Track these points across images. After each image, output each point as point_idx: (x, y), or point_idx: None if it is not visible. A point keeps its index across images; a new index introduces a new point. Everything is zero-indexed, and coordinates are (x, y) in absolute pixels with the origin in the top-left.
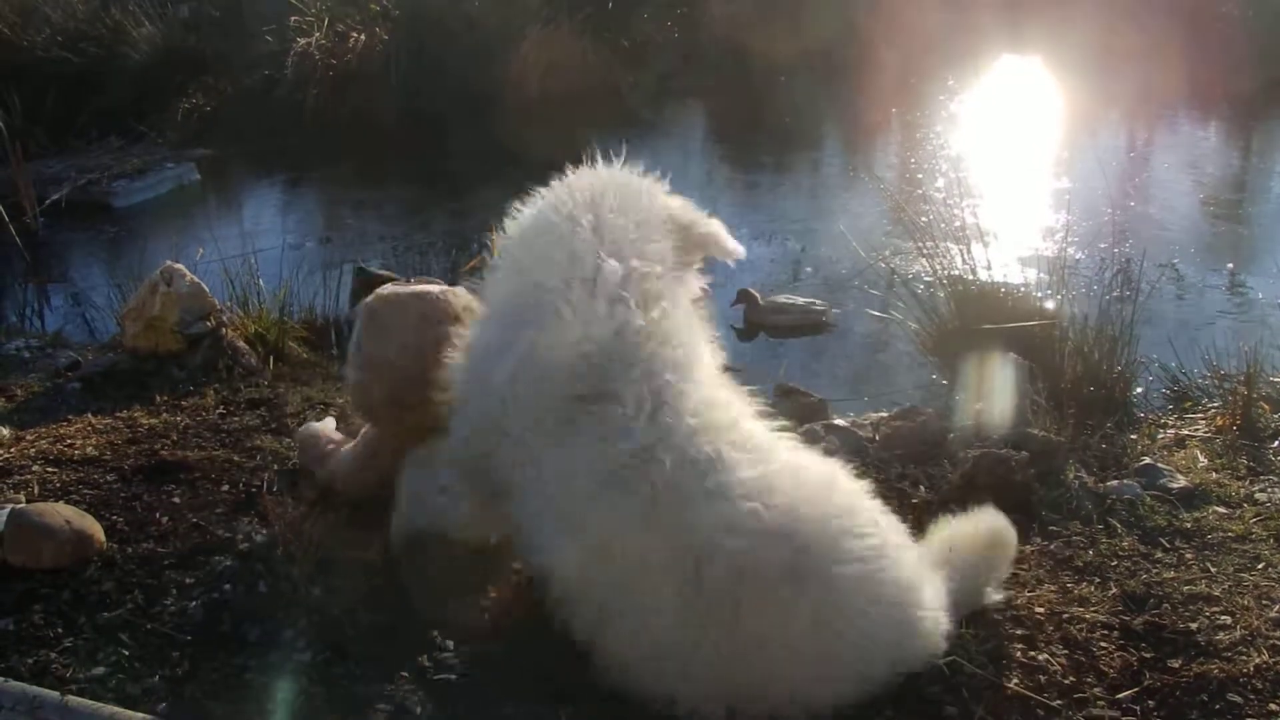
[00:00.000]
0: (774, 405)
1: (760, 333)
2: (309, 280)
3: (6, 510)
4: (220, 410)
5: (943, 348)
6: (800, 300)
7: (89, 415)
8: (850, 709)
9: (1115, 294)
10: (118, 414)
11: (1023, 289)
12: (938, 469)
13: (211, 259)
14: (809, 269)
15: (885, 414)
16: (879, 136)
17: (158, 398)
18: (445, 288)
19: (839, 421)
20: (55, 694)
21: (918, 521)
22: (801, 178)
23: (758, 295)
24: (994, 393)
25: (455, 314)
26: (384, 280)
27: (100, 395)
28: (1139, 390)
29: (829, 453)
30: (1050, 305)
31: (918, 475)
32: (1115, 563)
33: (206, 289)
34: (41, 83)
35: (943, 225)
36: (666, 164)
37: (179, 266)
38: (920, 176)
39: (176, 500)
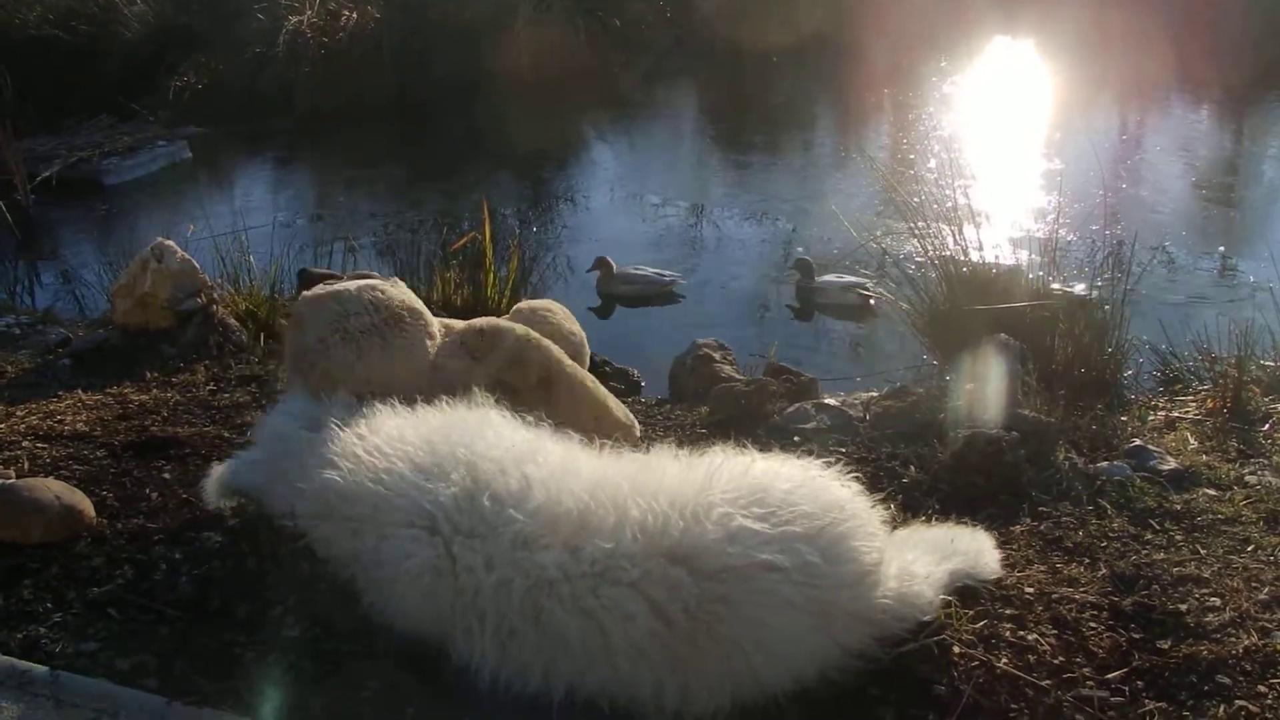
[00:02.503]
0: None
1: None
2: (300, 257)
3: None
4: (211, 387)
5: (934, 328)
6: (649, 270)
7: (79, 391)
8: (839, 688)
9: (1106, 276)
10: (108, 390)
11: (1014, 270)
12: (928, 449)
13: (203, 236)
14: (800, 249)
15: (876, 393)
16: (871, 118)
17: (148, 374)
18: (377, 283)
19: (829, 400)
20: (45, 669)
21: (908, 501)
22: (793, 158)
23: (612, 264)
24: (985, 374)
25: (379, 307)
26: (325, 278)
27: (91, 371)
28: (1129, 372)
29: (819, 431)
30: (1042, 287)
31: (908, 455)
32: (1105, 544)
33: (198, 266)
34: (32, 60)
35: (935, 206)
36: (658, 145)
37: (170, 243)
38: (912, 157)
39: (167, 476)
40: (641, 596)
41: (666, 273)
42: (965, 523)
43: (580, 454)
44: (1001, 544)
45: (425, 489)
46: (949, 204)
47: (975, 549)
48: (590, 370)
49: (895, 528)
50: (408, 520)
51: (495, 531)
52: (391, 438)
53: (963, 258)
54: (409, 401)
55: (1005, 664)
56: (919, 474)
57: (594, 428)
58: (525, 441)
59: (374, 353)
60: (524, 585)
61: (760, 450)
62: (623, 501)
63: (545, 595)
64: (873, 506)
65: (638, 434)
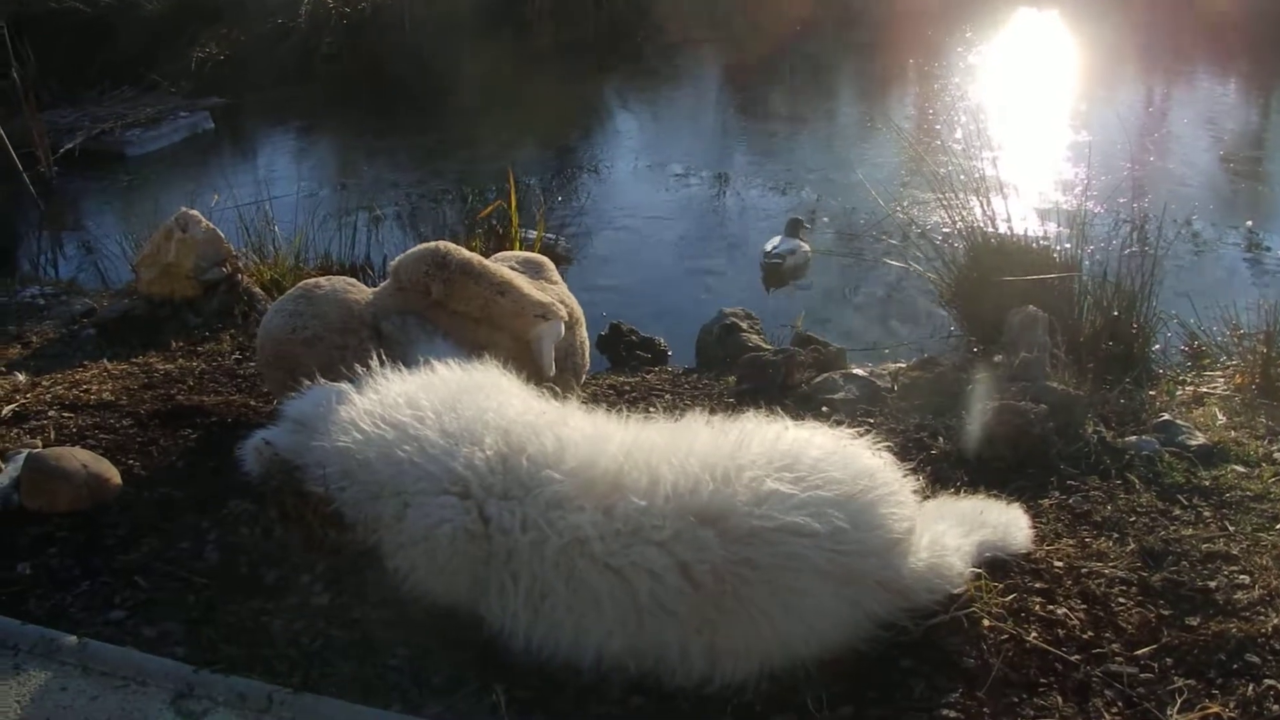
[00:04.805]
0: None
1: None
2: (324, 226)
3: (23, 455)
4: (236, 355)
5: (961, 299)
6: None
7: (105, 361)
8: (870, 659)
9: (1132, 249)
10: (133, 360)
11: (1042, 242)
12: (956, 420)
13: (227, 205)
14: (825, 219)
15: (903, 364)
16: (896, 87)
17: (173, 343)
18: (341, 286)
19: (857, 371)
20: (72, 637)
21: (937, 473)
22: (818, 128)
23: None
24: (1013, 346)
25: (330, 309)
26: None
27: (116, 341)
28: (1156, 346)
29: (847, 401)
30: (1069, 259)
31: (936, 426)
32: (1133, 519)
33: (222, 235)
34: (54, 33)
35: (961, 177)
36: (681, 113)
37: (195, 213)
38: (938, 127)
39: (193, 445)
40: (670, 556)
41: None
42: (994, 495)
43: (609, 421)
44: (1030, 517)
45: (457, 454)
46: (976, 174)
47: (1005, 522)
48: (616, 338)
49: (925, 499)
50: (439, 486)
51: (530, 493)
52: (407, 403)
53: (990, 229)
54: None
55: (1035, 638)
56: (947, 445)
57: (502, 307)
58: (554, 408)
59: None
60: (558, 545)
61: (788, 419)
62: (655, 463)
63: (578, 554)
64: (903, 477)
65: (564, 312)
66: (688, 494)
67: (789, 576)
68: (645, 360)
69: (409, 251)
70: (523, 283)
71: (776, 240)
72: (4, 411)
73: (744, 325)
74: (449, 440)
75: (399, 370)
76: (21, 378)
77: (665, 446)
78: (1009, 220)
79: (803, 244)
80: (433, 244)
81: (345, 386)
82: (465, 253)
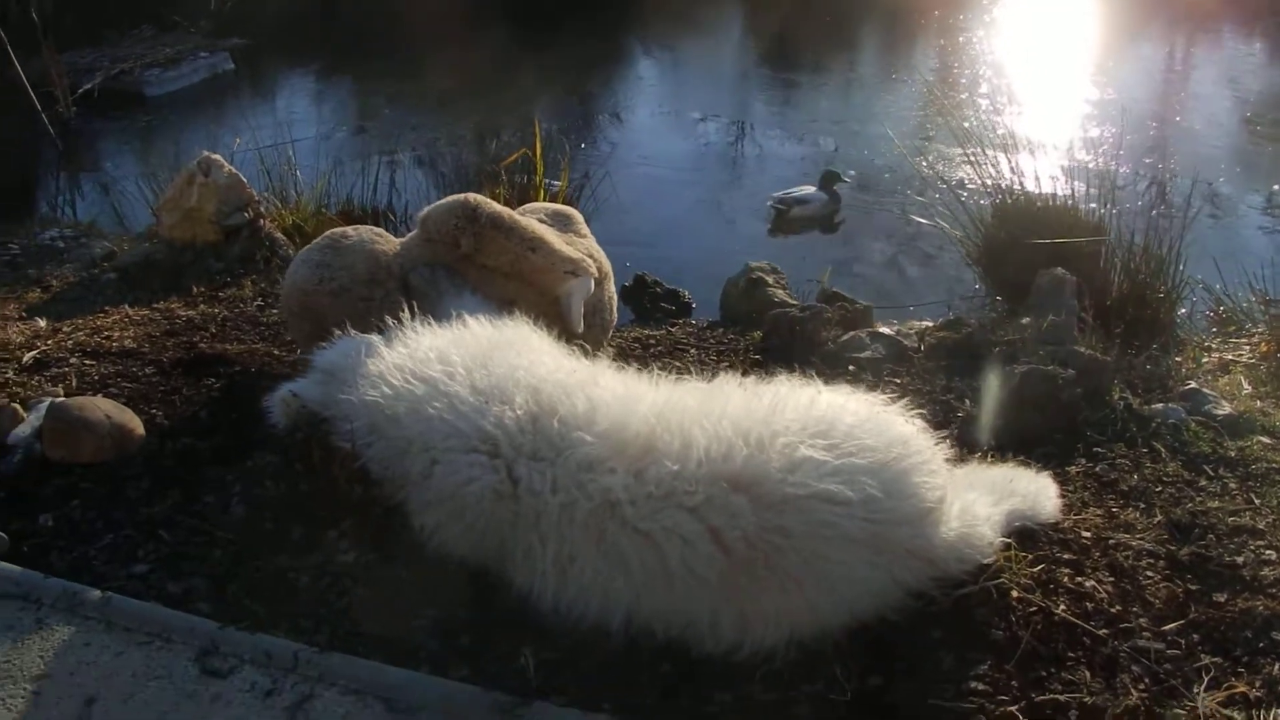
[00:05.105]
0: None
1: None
2: (345, 170)
3: (45, 403)
4: (258, 302)
5: (987, 258)
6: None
7: (126, 306)
8: (901, 630)
9: (1159, 210)
10: (155, 305)
11: (1069, 201)
12: (983, 383)
13: (248, 148)
14: (851, 171)
15: (930, 323)
16: (920, 39)
17: (195, 289)
18: (368, 236)
19: (884, 329)
20: (96, 592)
21: (964, 436)
22: (841, 78)
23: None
24: (1040, 307)
25: (357, 259)
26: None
27: (136, 286)
28: (1182, 311)
29: (874, 360)
30: (1097, 221)
31: (963, 388)
32: (1160, 489)
33: (245, 180)
34: None
35: (987, 133)
36: (704, 63)
37: (217, 157)
38: (963, 81)
39: (216, 394)
40: (701, 521)
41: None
42: (1021, 461)
43: (640, 381)
44: (1058, 484)
45: (487, 412)
46: (1001, 130)
47: (1035, 491)
48: (641, 290)
49: (954, 466)
50: (468, 444)
51: (561, 454)
52: (438, 358)
53: (1017, 187)
54: None
55: (1063, 611)
56: (974, 408)
57: (532, 263)
58: (585, 367)
59: None
60: (588, 507)
61: (815, 378)
62: (688, 426)
63: (608, 517)
64: (936, 444)
65: (593, 269)
66: (720, 459)
67: (821, 544)
68: (670, 313)
69: (438, 203)
70: (553, 238)
71: (799, 190)
72: (26, 358)
73: (770, 280)
74: (479, 397)
75: (427, 323)
76: (42, 323)
77: (698, 409)
78: (1037, 179)
79: (823, 195)
80: (462, 196)
81: (374, 339)
82: (496, 206)
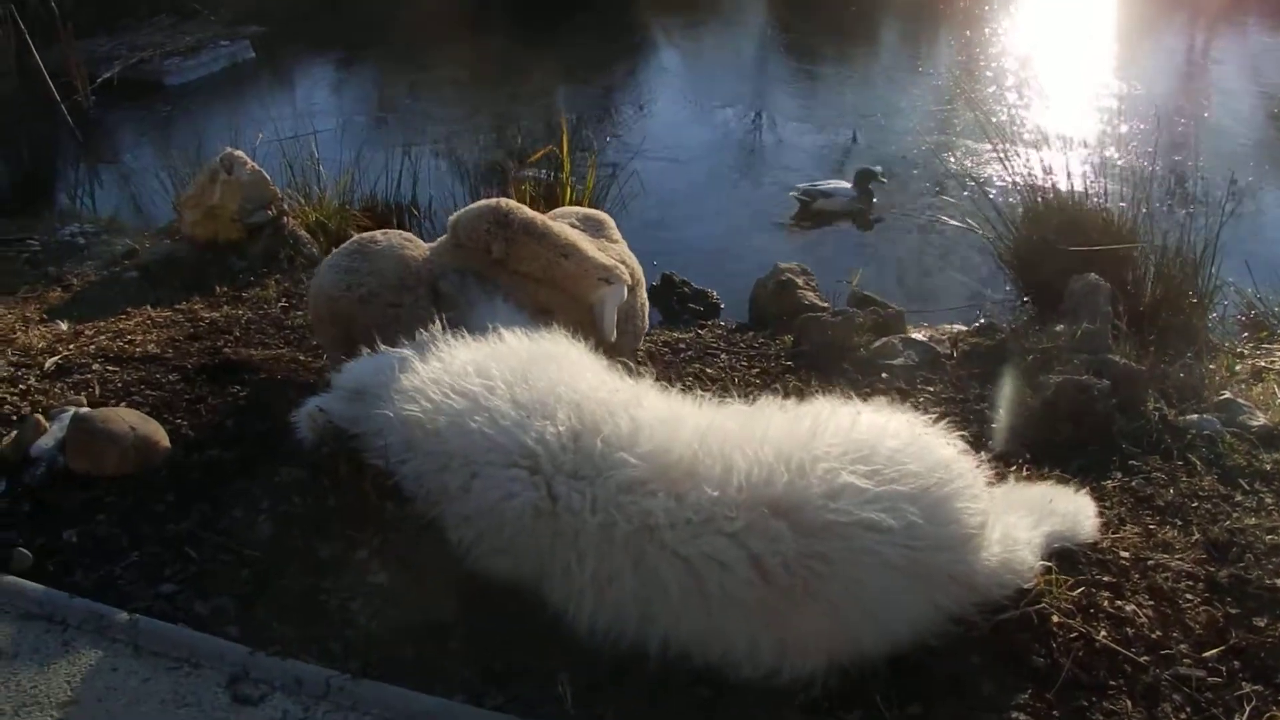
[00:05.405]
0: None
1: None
2: (367, 163)
3: (69, 414)
4: (283, 303)
5: (1019, 259)
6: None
7: (148, 308)
8: (940, 655)
9: (1189, 210)
10: (178, 306)
11: (1100, 201)
12: (1017, 392)
13: (269, 139)
14: (879, 167)
15: (962, 326)
16: (945, 29)
17: (218, 288)
18: (397, 241)
19: (916, 335)
20: (123, 614)
21: (997, 448)
22: (865, 69)
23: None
24: (1074, 313)
25: (386, 265)
26: None
27: (158, 284)
28: (1214, 315)
29: (907, 368)
30: (1130, 223)
31: (997, 398)
32: (1196, 504)
33: (268, 177)
34: None
35: (1015, 127)
36: (728, 54)
37: (240, 154)
38: (989, 74)
39: (242, 403)
40: (741, 548)
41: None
42: (1057, 474)
43: (683, 402)
44: (1094, 499)
45: (529, 427)
46: (1029, 125)
47: (1073, 510)
48: (668, 289)
49: (990, 480)
50: (509, 459)
51: (602, 474)
52: (477, 371)
53: (1048, 188)
54: None
55: (1104, 637)
56: (1009, 419)
57: (565, 270)
58: (629, 386)
59: None
60: (627, 530)
61: (848, 386)
62: (729, 451)
63: (648, 540)
64: (977, 466)
65: (627, 276)
66: (762, 484)
67: (861, 571)
68: (698, 313)
69: (469, 207)
70: (586, 244)
71: (828, 183)
72: (48, 364)
73: (800, 281)
74: (520, 412)
75: (459, 334)
76: (64, 326)
77: (739, 433)
78: (1068, 176)
79: (852, 191)
80: (493, 201)
81: (405, 352)
82: (528, 211)
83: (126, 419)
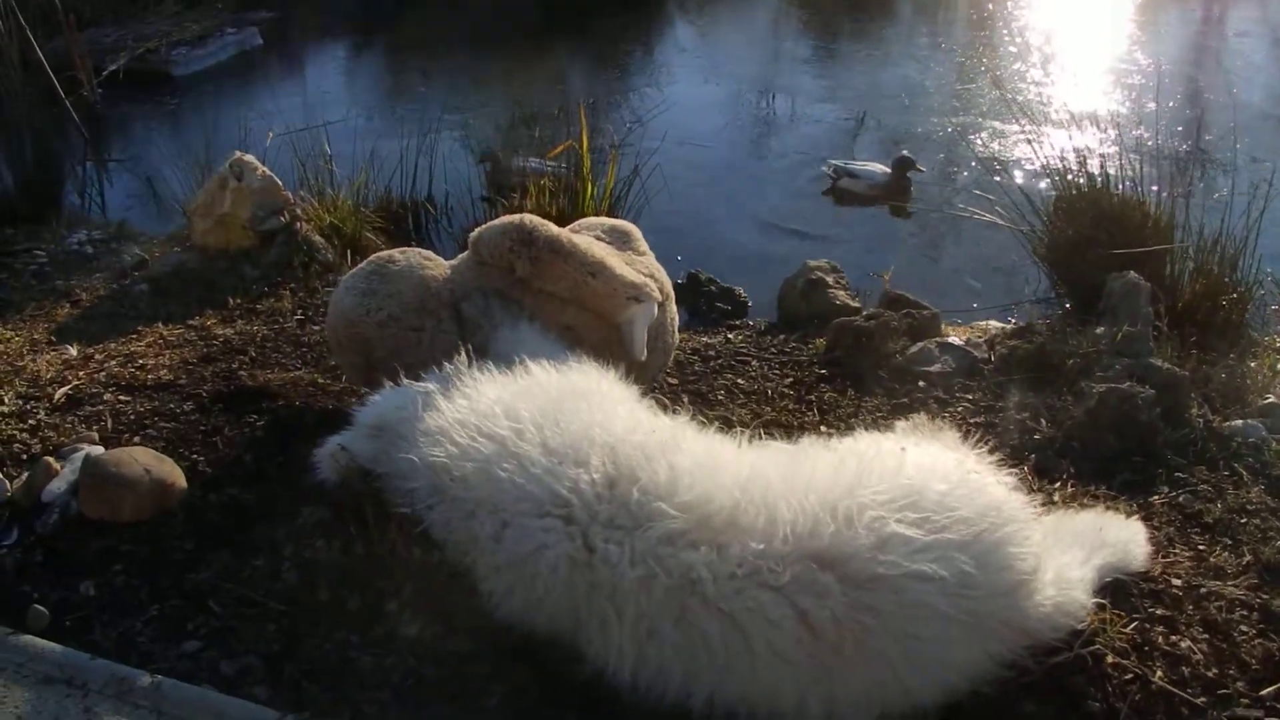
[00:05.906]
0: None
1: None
2: (381, 158)
3: (81, 453)
4: (299, 315)
5: (1056, 254)
6: (534, 161)
7: (159, 325)
8: (992, 702)
9: (1220, 196)
10: (190, 322)
11: (1135, 190)
12: (1057, 399)
13: (280, 133)
14: (910, 153)
15: (999, 326)
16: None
17: (231, 300)
18: (417, 261)
19: (953, 340)
20: (146, 677)
21: (1041, 463)
22: (885, 48)
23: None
24: (1114, 315)
25: (405, 287)
26: None
27: (169, 297)
28: (1251, 307)
29: (944, 375)
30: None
31: (1038, 406)
32: (1245, 519)
33: (279, 182)
34: None
35: (1042, 106)
36: (745, 34)
37: (250, 158)
38: (1013, 50)
39: (259, 434)
40: (788, 602)
41: (549, 164)
42: (1103, 490)
43: (724, 443)
44: (1141, 517)
45: (561, 474)
46: (1055, 104)
47: (1125, 539)
48: (695, 288)
49: (1030, 494)
50: (541, 509)
51: (640, 525)
52: (505, 412)
53: (1081, 179)
54: None
55: (1160, 678)
56: (1050, 429)
57: (593, 289)
58: (666, 427)
59: None
60: (667, 584)
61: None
62: (773, 500)
63: (689, 595)
64: (1028, 504)
65: (657, 293)
66: (807, 535)
67: (912, 623)
68: (725, 313)
69: (491, 224)
70: (614, 260)
71: (861, 164)
72: (57, 395)
73: (829, 280)
74: (552, 459)
75: (483, 362)
76: (73, 350)
77: (782, 481)
78: (1101, 161)
79: (881, 177)
80: (517, 217)
81: (429, 386)
82: (553, 228)
83: (140, 460)
